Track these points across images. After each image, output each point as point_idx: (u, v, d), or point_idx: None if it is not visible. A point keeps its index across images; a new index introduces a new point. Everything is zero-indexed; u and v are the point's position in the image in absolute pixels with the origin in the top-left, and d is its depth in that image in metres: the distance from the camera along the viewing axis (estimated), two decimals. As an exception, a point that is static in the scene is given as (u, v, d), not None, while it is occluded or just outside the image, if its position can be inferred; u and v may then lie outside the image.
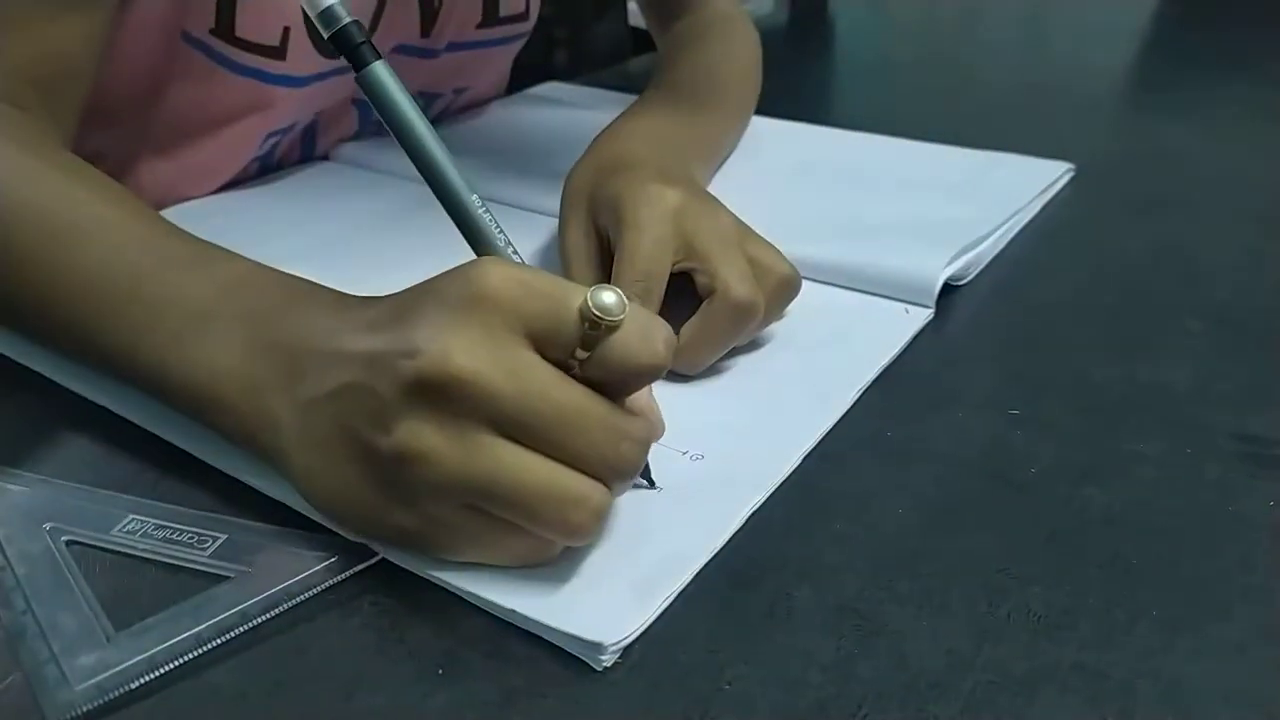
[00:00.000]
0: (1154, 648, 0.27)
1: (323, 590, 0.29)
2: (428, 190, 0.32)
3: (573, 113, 0.70)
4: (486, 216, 0.32)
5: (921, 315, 0.44)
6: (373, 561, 0.30)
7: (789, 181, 0.58)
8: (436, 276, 0.29)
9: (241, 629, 0.27)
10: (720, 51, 0.65)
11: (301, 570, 0.29)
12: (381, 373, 0.27)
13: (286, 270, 0.34)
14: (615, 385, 0.28)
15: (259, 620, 0.28)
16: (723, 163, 0.59)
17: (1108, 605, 0.29)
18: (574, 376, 0.27)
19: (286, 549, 0.30)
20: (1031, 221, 0.55)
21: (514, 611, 0.28)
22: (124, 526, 0.31)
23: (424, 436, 0.26)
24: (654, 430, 0.31)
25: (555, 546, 0.29)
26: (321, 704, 0.26)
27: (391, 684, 0.26)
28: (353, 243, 0.51)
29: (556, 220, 0.45)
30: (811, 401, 0.38)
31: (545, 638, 0.28)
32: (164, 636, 0.27)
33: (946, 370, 0.41)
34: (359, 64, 0.32)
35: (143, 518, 0.31)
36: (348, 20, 0.31)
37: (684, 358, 0.38)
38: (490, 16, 0.65)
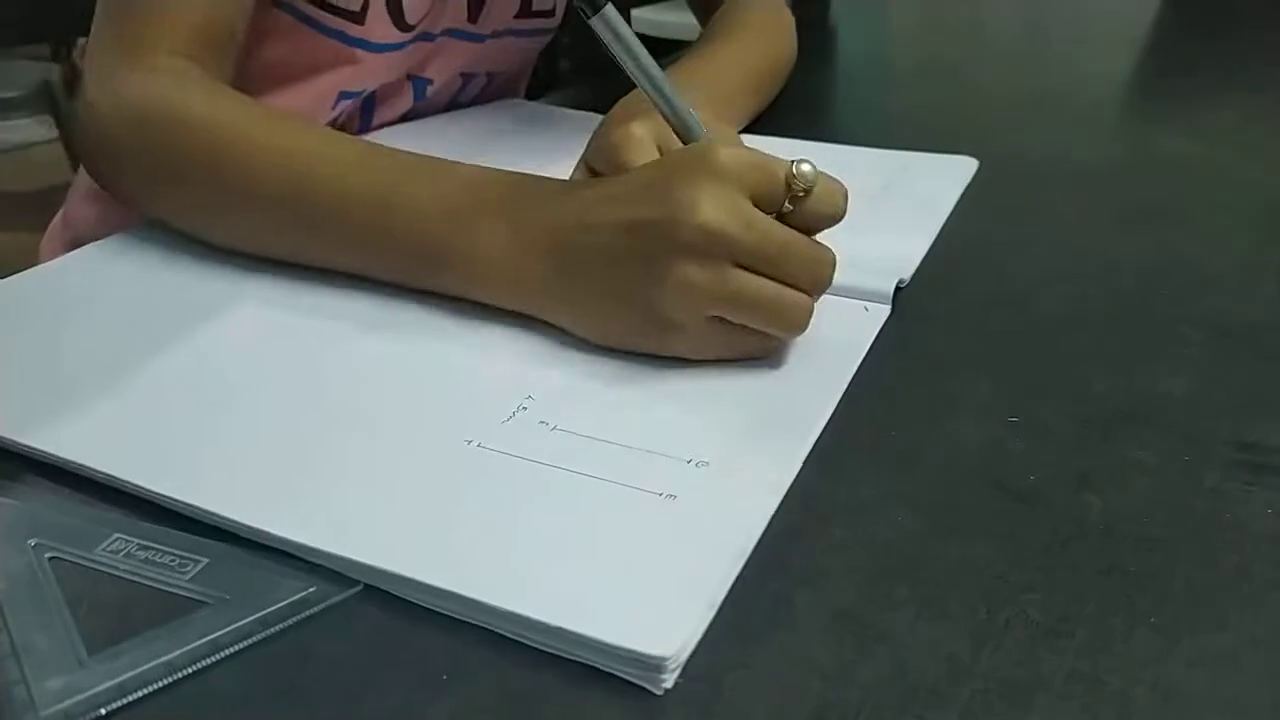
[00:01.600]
0: (1151, 656, 0.28)
1: (298, 620, 0.29)
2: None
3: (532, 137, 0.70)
4: (694, 114, 0.43)
5: (882, 313, 0.45)
6: (353, 591, 0.29)
7: None
8: (669, 157, 0.42)
9: (213, 658, 0.27)
10: (742, 43, 0.69)
11: (279, 599, 0.29)
12: (648, 233, 0.37)
13: None
14: (809, 229, 0.39)
15: (232, 650, 0.27)
16: None
17: (1105, 613, 0.29)
18: (784, 223, 0.38)
19: (267, 577, 0.30)
20: (1031, 228, 0.55)
21: (560, 630, 0.27)
22: (108, 545, 0.31)
23: (688, 273, 0.37)
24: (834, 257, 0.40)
25: (775, 342, 0.40)
26: (326, 710, 0.26)
27: (396, 689, 0.27)
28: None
29: None
30: (800, 403, 0.38)
31: (593, 662, 0.27)
32: (135, 662, 0.27)
33: (945, 378, 0.41)
34: (595, 8, 0.40)
35: (127, 537, 0.31)
36: None
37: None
38: (525, 8, 0.72)
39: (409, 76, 0.69)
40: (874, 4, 1.29)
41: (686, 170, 0.38)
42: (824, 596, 0.29)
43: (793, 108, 0.73)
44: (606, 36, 0.42)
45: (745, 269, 0.38)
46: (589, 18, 0.41)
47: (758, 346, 0.40)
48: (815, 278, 0.39)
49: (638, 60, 0.42)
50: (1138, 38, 1.08)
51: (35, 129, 2.23)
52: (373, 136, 0.68)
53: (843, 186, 0.40)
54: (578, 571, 0.29)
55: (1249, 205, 0.59)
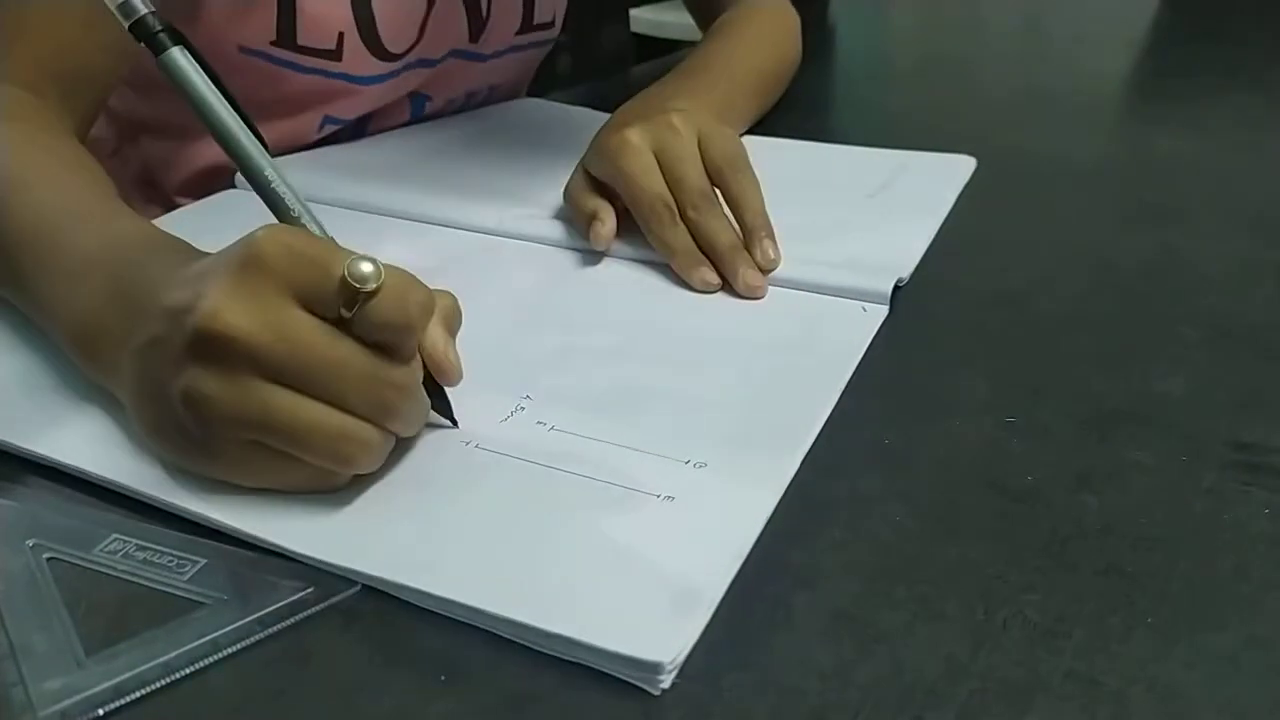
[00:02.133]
0: (1148, 656, 0.28)
1: (296, 621, 0.29)
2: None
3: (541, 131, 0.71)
4: (282, 188, 0.35)
5: (879, 313, 0.45)
6: (351, 592, 0.29)
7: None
8: (228, 247, 0.32)
9: (212, 658, 0.27)
10: (746, 44, 0.69)
11: (277, 600, 0.29)
12: (173, 326, 0.31)
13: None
14: (377, 341, 0.31)
15: (230, 651, 0.27)
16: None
17: (1103, 613, 0.29)
18: (348, 332, 0.31)
19: (264, 577, 0.30)
20: (1030, 227, 0.55)
21: (558, 636, 0.27)
22: (106, 546, 0.31)
23: (202, 383, 0.30)
24: (417, 377, 0.34)
25: (338, 476, 0.32)
26: (324, 710, 0.26)
27: (393, 691, 0.27)
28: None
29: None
30: (797, 404, 0.38)
31: (591, 664, 0.27)
32: (133, 663, 0.27)
33: (943, 378, 0.41)
34: (158, 50, 0.34)
35: (125, 537, 0.31)
36: (145, 11, 0.34)
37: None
38: (527, 24, 0.72)
39: (409, 95, 0.69)
40: (873, 3, 1.30)
41: (224, 258, 0.31)
42: (822, 597, 0.30)
43: (791, 105, 0.73)
44: (174, 82, 0.35)
45: (285, 386, 0.30)
46: (155, 56, 0.35)
47: (314, 479, 0.32)
48: (376, 401, 0.31)
49: (210, 113, 0.35)
50: (1136, 37, 1.08)
51: None
52: (382, 138, 0.67)
53: (423, 290, 0.32)
54: (574, 574, 0.30)
55: (1245, 204, 0.59)
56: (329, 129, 0.64)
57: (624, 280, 0.49)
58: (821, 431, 0.37)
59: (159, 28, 0.34)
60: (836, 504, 0.33)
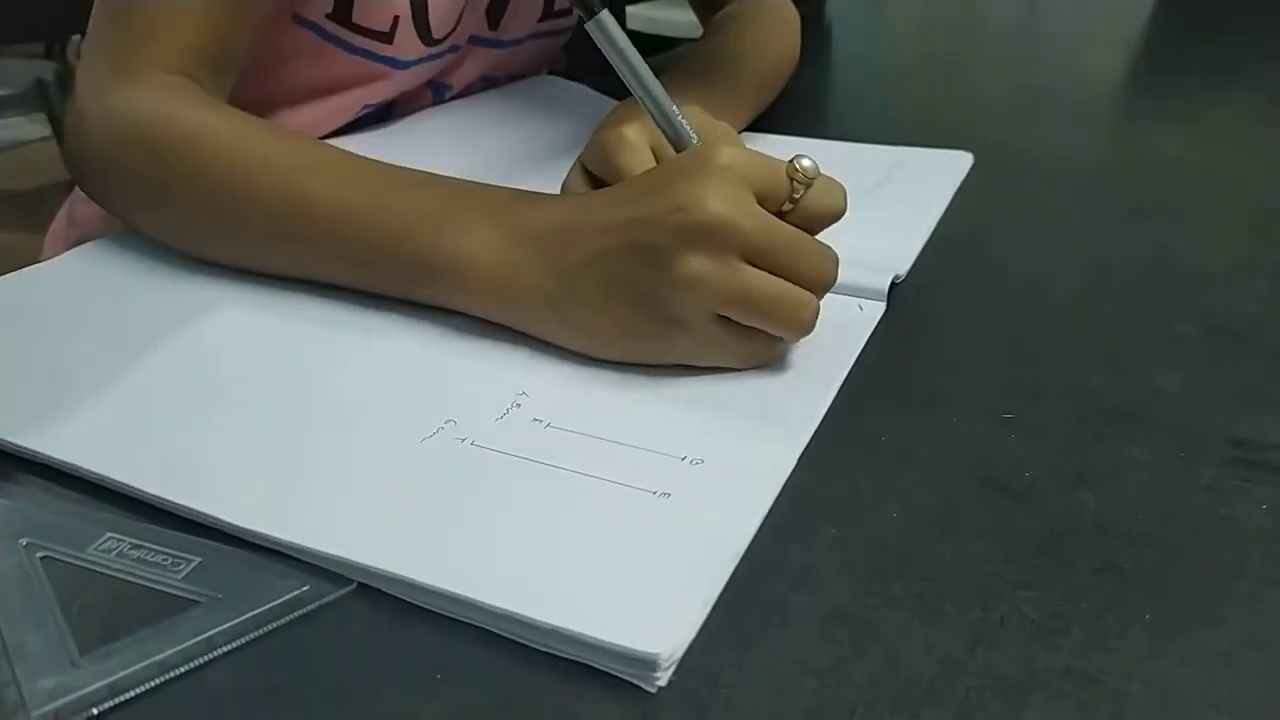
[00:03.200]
0: (1146, 653, 0.27)
1: (291, 620, 0.28)
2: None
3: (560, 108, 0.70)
4: (686, 122, 0.43)
5: (876, 310, 0.45)
6: (346, 590, 0.29)
7: None
8: (669, 161, 0.41)
9: (206, 657, 0.27)
10: (747, 41, 0.69)
11: (273, 598, 0.29)
12: (653, 228, 0.37)
13: None
14: (810, 225, 0.39)
15: (225, 649, 0.27)
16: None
17: (1100, 610, 0.29)
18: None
19: (260, 576, 0.30)
20: (1026, 225, 0.55)
21: (553, 630, 0.27)
22: (100, 544, 0.31)
23: (696, 266, 0.36)
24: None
25: (778, 347, 0.40)
26: (319, 709, 0.26)
27: (388, 690, 0.27)
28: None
29: None
30: (795, 401, 0.38)
31: (587, 661, 0.27)
32: (127, 662, 0.27)
33: (939, 375, 0.41)
34: (590, 13, 0.42)
35: (120, 536, 0.31)
36: None
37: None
38: (548, 11, 0.71)
39: (429, 83, 0.69)
40: (869, 1, 1.29)
41: (690, 169, 0.38)
42: (819, 595, 0.29)
43: (787, 104, 0.73)
44: (602, 42, 0.42)
45: (752, 264, 0.37)
46: (585, 22, 0.41)
47: (761, 351, 0.39)
48: (821, 273, 0.39)
49: (632, 67, 0.42)
50: (1133, 35, 1.08)
51: (29, 127, 2.22)
52: (407, 120, 0.67)
53: (841, 185, 0.40)
54: (571, 570, 0.29)
55: (1241, 203, 0.59)
56: (363, 113, 0.65)
57: None
58: (818, 429, 0.37)
59: None
60: (833, 501, 0.33)
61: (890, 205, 0.55)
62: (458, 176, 0.44)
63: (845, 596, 0.29)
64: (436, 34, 0.63)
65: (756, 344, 0.39)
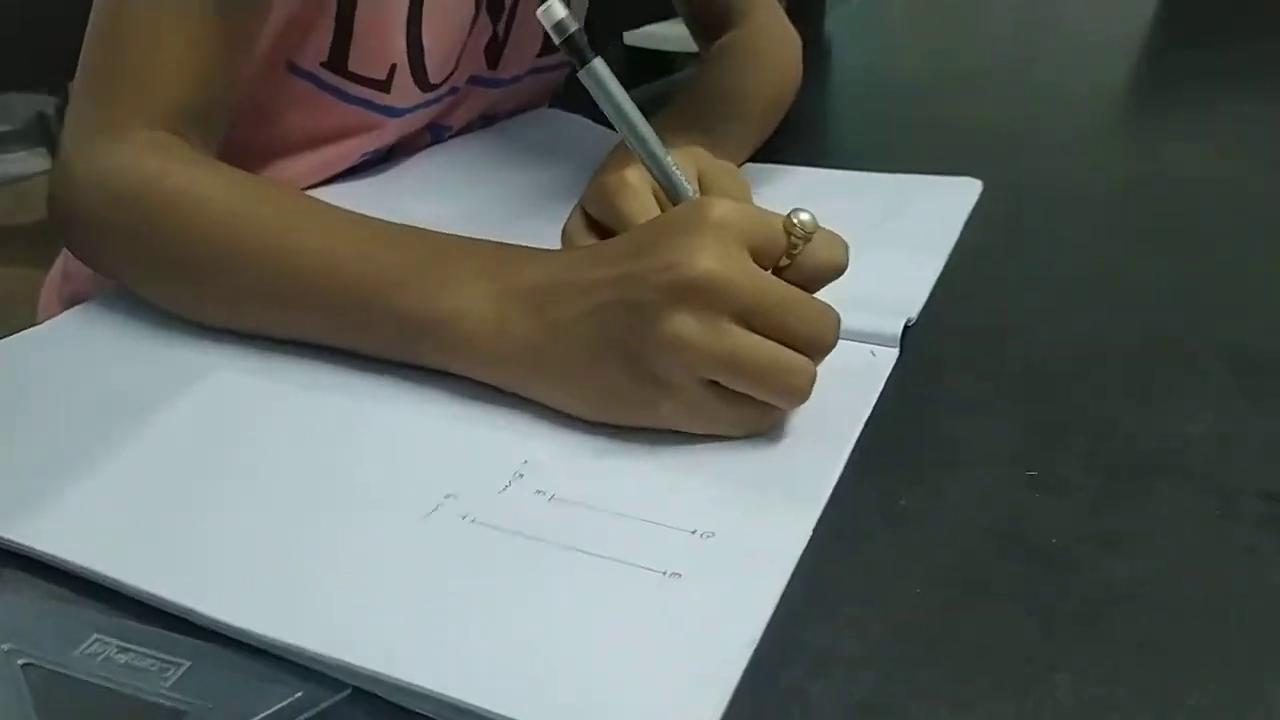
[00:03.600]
0: (1191, 743, 0.26)
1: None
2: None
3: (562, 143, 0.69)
4: (681, 172, 0.42)
5: (890, 356, 0.43)
6: (342, 696, 0.28)
7: None
8: (662, 215, 0.39)
9: None
10: (749, 76, 0.68)
11: (265, 707, 0.27)
12: (642, 285, 0.35)
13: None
14: (809, 283, 0.37)
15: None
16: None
17: (1140, 695, 0.27)
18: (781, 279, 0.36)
19: (252, 682, 0.28)
20: (1037, 253, 0.54)
21: None
22: (86, 648, 0.29)
23: (685, 325, 0.34)
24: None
25: (776, 414, 0.37)
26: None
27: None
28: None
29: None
30: (807, 462, 0.36)
31: None
32: None
33: (957, 426, 0.39)
34: (583, 61, 0.40)
35: (106, 638, 0.30)
36: (574, 29, 0.40)
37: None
38: (548, 46, 0.70)
39: (428, 127, 0.67)
40: (869, 18, 1.28)
41: (682, 224, 0.36)
42: (841, 684, 0.28)
43: (787, 126, 0.71)
44: (595, 91, 0.41)
45: (745, 326, 0.35)
46: (577, 71, 0.40)
47: (754, 419, 0.37)
48: (819, 335, 0.36)
49: (626, 117, 0.41)
50: (1136, 47, 1.06)
51: (31, 161, 2.22)
52: (405, 163, 0.66)
53: (842, 239, 0.38)
54: (582, 669, 0.28)
55: (1256, 218, 0.57)
56: (362, 160, 0.63)
57: None
58: (832, 492, 0.35)
59: (586, 44, 0.40)
60: (850, 575, 0.32)
61: (898, 241, 0.54)
62: (459, 219, 0.43)
63: (870, 685, 0.28)
64: (434, 79, 0.61)
65: (748, 411, 0.37)
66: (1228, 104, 0.80)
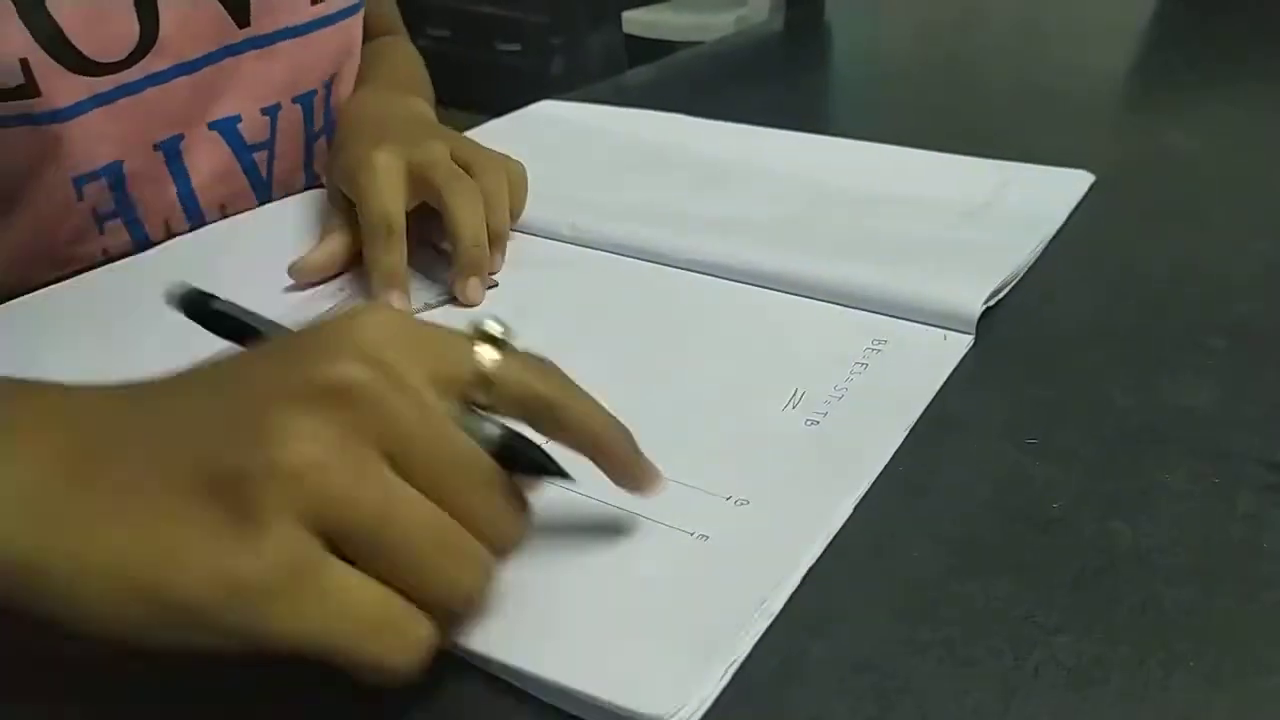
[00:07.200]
0: (1192, 702, 0.26)
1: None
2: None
3: (571, 133, 0.68)
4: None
5: (962, 342, 0.41)
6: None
7: (808, 198, 0.55)
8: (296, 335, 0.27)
9: None
10: (401, 61, 0.72)
11: None
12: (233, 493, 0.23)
13: None
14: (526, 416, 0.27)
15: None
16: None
17: (1140, 656, 0.27)
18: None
19: None
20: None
21: (555, 685, 0.26)
22: None
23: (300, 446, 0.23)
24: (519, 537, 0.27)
25: (425, 632, 0.24)
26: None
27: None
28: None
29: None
30: (858, 442, 0.35)
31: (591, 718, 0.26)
32: None
33: (958, 396, 0.39)
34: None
35: None
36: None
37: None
38: None
39: (206, 121, 0.56)
40: (868, 3, 1.28)
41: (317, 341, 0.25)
42: (840, 644, 0.28)
43: (789, 110, 0.71)
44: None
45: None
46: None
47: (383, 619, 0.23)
48: (504, 529, 0.26)
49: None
50: (1139, 31, 1.06)
51: None
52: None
53: (595, 400, 0.29)
54: (589, 622, 0.28)
55: (1262, 203, 0.57)
56: (90, 189, 0.52)
57: (683, 294, 0.46)
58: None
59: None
60: (851, 540, 0.31)
61: (994, 227, 0.51)
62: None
63: (869, 645, 0.28)
64: (101, 56, 0.49)
65: (383, 607, 0.23)
66: (1229, 87, 0.79)
